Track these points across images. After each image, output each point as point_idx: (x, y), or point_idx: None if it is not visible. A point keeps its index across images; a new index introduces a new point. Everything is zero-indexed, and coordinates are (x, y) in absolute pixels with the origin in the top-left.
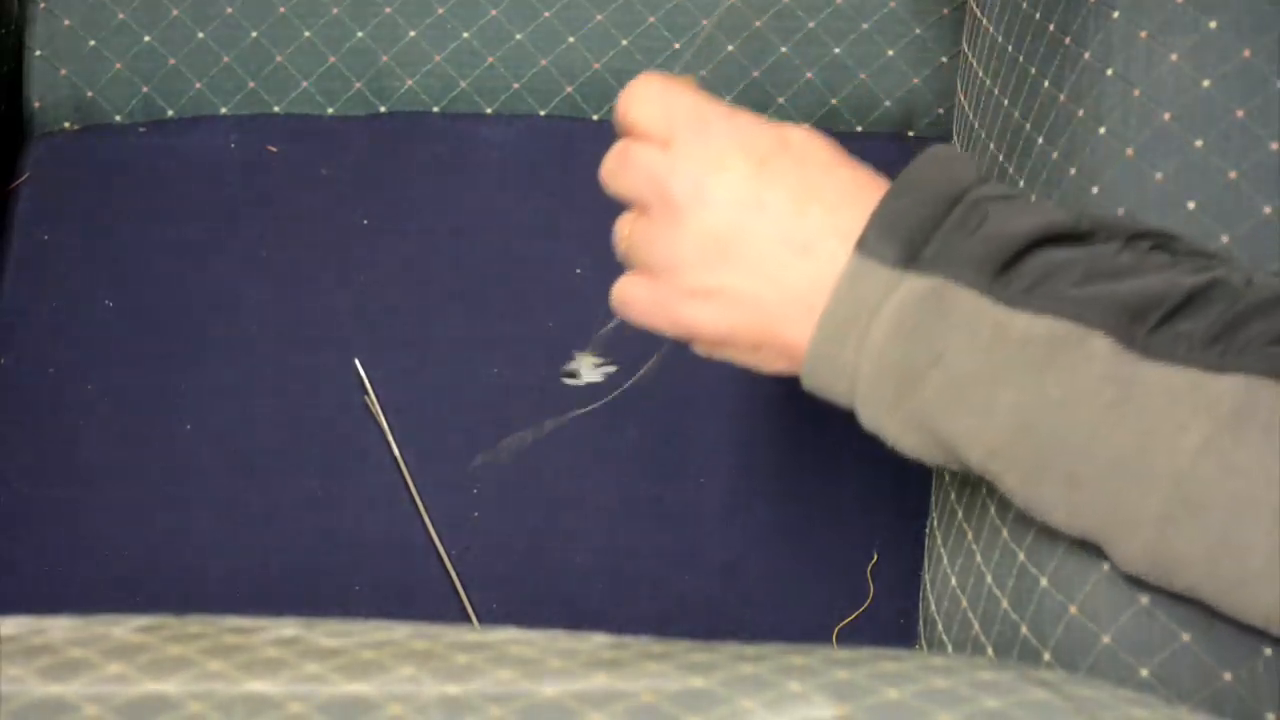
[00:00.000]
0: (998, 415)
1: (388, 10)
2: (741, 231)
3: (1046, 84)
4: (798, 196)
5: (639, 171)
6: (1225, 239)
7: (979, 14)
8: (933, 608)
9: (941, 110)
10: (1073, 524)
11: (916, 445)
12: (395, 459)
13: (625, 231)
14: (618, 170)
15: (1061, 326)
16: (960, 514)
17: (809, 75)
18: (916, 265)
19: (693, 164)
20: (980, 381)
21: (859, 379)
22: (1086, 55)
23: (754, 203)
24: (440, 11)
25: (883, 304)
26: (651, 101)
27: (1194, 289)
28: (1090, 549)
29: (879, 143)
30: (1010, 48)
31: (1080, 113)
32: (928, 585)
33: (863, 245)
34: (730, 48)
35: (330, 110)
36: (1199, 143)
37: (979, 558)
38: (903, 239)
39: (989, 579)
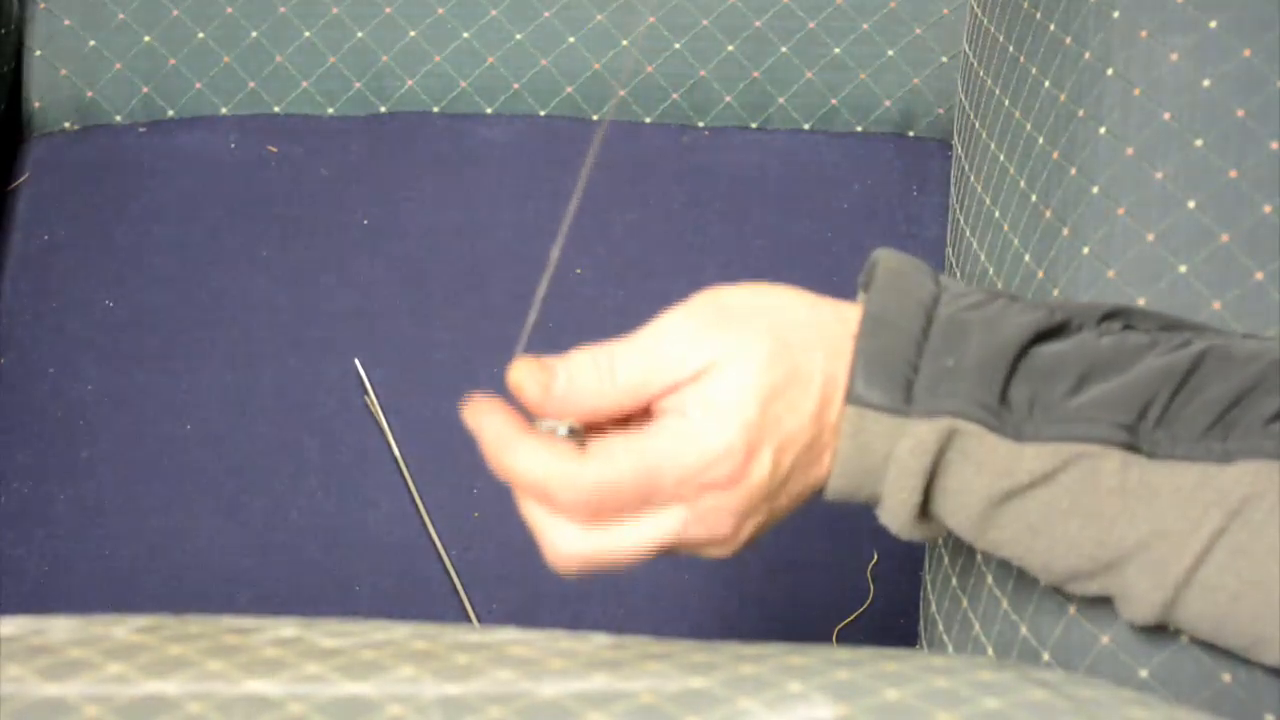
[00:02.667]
0: (1007, 527)
1: (388, 10)
2: (783, 488)
3: (1047, 84)
4: (793, 409)
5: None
6: (1225, 238)
7: (980, 14)
8: (933, 608)
9: (941, 110)
10: (1085, 594)
11: (931, 537)
12: (395, 459)
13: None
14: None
15: (1069, 450)
16: None
17: (809, 75)
18: (914, 405)
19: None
20: (990, 502)
21: (879, 505)
22: (1087, 55)
23: (765, 490)
24: (440, 11)
25: (892, 451)
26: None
27: (1187, 370)
28: None
29: (879, 143)
30: (1011, 47)
31: (1081, 112)
32: (928, 585)
33: (853, 398)
34: (730, 48)
35: (330, 110)
36: (1199, 142)
37: (979, 558)
38: (894, 380)
39: (989, 579)
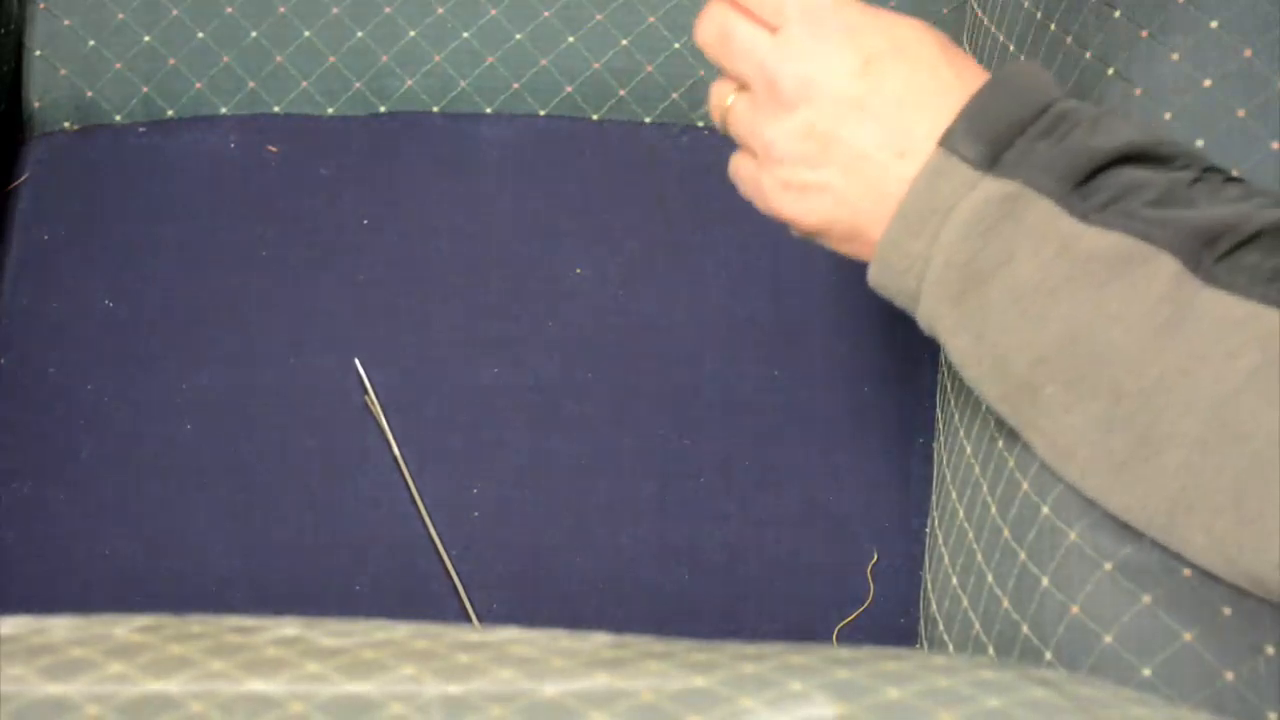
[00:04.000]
0: (1052, 323)
1: (388, 10)
2: (842, 132)
3: None
4: (902, 101)
5: (744, 55)
6: None
7: (980, 14)
8: (933, 607)
9: None
10: (1109, 442)
11: (966, 349)
12: (395, 459)
13: (724, 100)
14: (719, 44)
15: (1130, 244)
16: (961, 513)
17: None
18: (998, 168)
19: (801, 59)
20: (1040, 290)
21: (927, 272)
22: (1088, 55)
23: (857, 104)
24: (440, 11)
25: (960, 202)
26: None
27: (1266, 225)
28: (1091, 548)
29: None
30: (1011, 47)
31: None
32: (928, 585)
33: (948, 141)
34: None
35: (330, 110)
36: (1200, 142)
37: (980, 557)
38: (988, 139)
39: (990, 578)
